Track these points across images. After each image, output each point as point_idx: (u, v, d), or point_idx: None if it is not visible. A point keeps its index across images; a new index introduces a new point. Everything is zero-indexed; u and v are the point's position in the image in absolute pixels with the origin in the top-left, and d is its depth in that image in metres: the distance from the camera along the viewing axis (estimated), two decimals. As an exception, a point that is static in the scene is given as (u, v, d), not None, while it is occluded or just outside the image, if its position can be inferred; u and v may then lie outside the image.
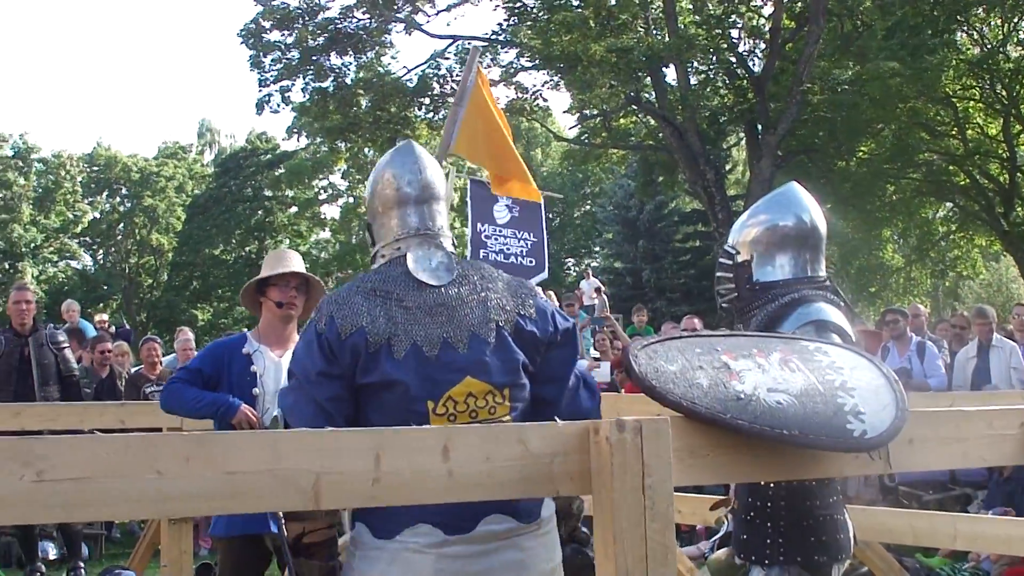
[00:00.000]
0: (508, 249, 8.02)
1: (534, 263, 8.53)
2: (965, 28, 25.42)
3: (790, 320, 3.31)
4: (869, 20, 22.73)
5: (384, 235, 3.07)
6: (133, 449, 1.90)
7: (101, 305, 39.15)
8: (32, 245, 43.44)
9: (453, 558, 2.74)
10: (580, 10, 23.58)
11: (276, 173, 44.36)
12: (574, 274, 40.88)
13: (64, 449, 1.85)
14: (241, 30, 25.62)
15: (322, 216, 46.73)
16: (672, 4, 23.49)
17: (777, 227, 3.51)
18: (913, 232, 30.02)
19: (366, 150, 28.47)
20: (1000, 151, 25.76)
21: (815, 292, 3.42)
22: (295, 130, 28.62)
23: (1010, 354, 9.20)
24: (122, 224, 46.99)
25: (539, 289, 3.44)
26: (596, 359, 12.21)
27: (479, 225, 7.86)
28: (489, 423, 2.79)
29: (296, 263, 4.82)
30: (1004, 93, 25.05)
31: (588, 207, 45.42)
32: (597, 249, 42.74)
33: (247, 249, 43.80)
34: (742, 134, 27.19)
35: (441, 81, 25.92)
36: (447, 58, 26.02)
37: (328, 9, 25.82)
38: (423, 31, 25.88)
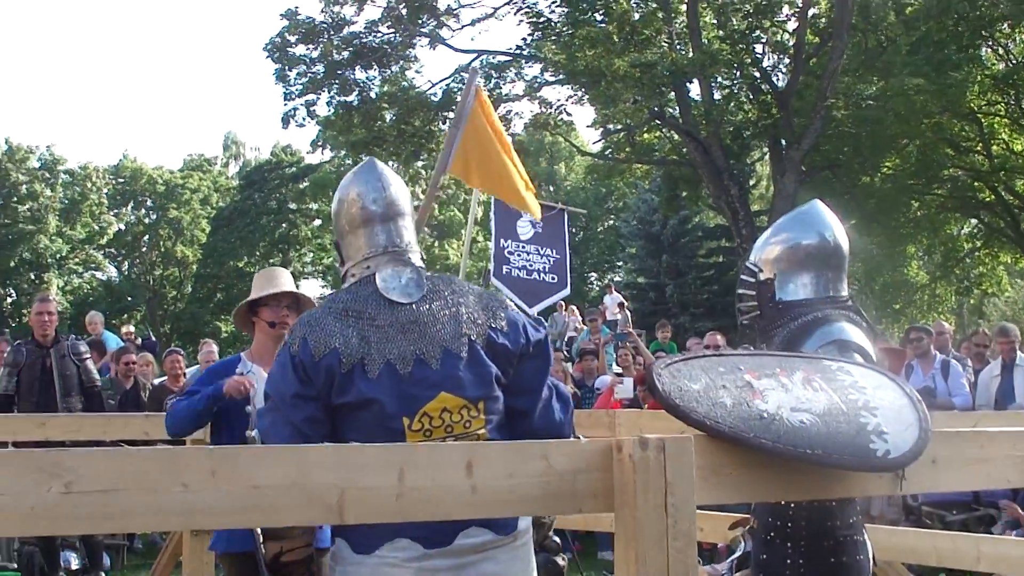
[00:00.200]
0: (531, 265, 8.03)
1: (556, 279, 8.53)
2: (990, 43, 25.26)
3: (812, 340, 3.28)
4: (893, 35, 22.67)
5: (353, 254, 3.09)
6: (160, 462, 1.91)
7: (125, 316, 39.41)
8: (58, 256, 43.86)
9: (432, 572, 2.77)
10: (604, 25, 23.62)
11: (301, 186, 44.55)
12: (597, 288, 40.80)
13: (92, 461, 1.86)
14: (267, 44, 25.82)
15: (346, 229, 46.79)
16: (696, 19, 23.48)
17: (800, 245, 3.49)
18: (938, 248, 29.77)
19: (390, 163, 28.55)
20: (1025, 167, 25.62)
21: (837, 312, 3.39)
22: (320, 143, 28.76)
23: (1034, 373, 9.11)
24: (147, 236, 47.38)
25: (510, 301, 3.45)
26: (619, 374, 12.08)
27: (502, 241, 7.87)
28: (465, 437, 2.83)
29: (287, 282, 4.81)
30: (1029, 109, 24.93)
31: (611, 221, 45.34)
32: (620, 264, 42.58)
33: (271, 262, 43.87)
34: (766, 149, 27.07)
35: (465, 95, 25.93)
36: (471, 72, 26.06)
37: (353, 24, 26.01)
38: (448, 45, 26.02)
